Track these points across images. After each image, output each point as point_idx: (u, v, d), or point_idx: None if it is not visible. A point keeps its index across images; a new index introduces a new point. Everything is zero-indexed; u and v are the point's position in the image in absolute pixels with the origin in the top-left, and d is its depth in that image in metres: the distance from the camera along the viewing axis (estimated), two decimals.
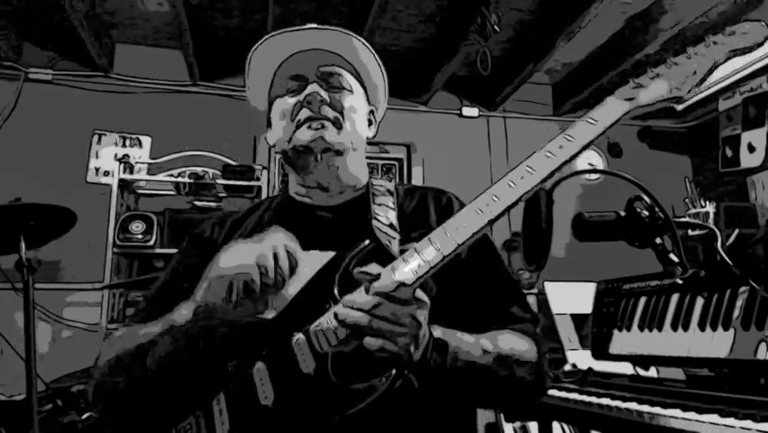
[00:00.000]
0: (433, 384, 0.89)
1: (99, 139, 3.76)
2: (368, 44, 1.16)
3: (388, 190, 1.17)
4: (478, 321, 1.01)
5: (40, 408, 2.31)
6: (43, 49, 3.73)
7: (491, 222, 0.81)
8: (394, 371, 0.79)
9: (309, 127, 1.06)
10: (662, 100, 0.90)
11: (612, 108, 0.89)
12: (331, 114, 1.07)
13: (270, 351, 0.88)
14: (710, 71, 0.91)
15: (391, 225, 1.06)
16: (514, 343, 1.00)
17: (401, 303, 0.78)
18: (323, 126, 1.06)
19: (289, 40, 1.13)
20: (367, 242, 0.91)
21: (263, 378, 0.87)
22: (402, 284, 0.77)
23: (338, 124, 1.08)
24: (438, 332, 0.87)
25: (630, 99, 0.89)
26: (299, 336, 0.86)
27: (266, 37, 1.13)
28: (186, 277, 1.07)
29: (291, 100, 1.10)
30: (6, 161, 3.50)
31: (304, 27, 1.12)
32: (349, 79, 1.14)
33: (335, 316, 0.81)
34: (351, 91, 1.13)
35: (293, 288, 0.93)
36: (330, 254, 0.96)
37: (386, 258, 0.90)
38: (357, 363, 0.81)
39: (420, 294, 0.81)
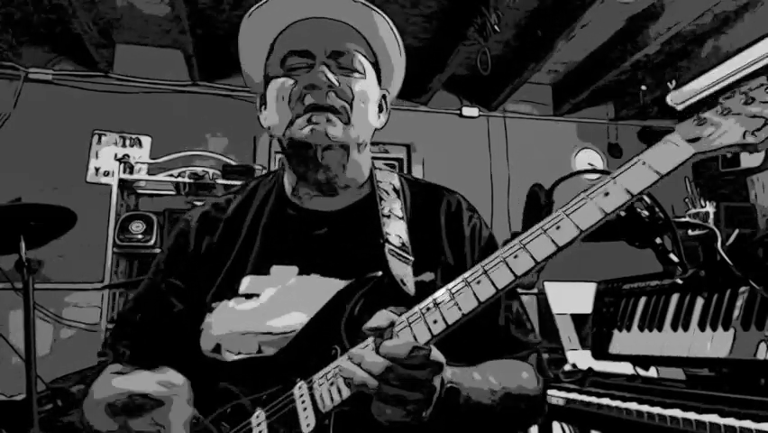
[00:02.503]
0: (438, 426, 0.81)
1: (99, 139, 3.76)
2: (388, 18, 1.00)
3: (395, 189, 1.05)
4: (482, 348, 0.95)
5: (40, 408, 2.31)
6: (43, 49, 3.73)
7: (518, 278, 0.70)
8: None
9: (310, 119, 0.92)
10: (730, 146, 0.72)
11: (672, 152, 0.73)
12: (338, 103, 0.93)
13: (270, 397, 0.80)
14: None
15: (403, 246, 0.94)
16: (520, 376, 0.94)
17: (415, 368, 0.68)
18: (327, 120, 0.92)
19: (294, 4, 0.97)
20: (379, 273, 0.83)
21: (263, 429, 0.79)
22: (417, 347, 0.67)
23: (344, 117, 0.94)
24: (449, 374, 0.76)
25: (694, 141, 0.73)
26: (302, 384, 0.78)
27: (264, 1, 0.97)
28: (165, 305, 1.00)
29: (292, 81, 0.95)
30: (6, 161, 3.50)
31: None
32: (362, 60, 0.99)
33: (341, 372, 0.72)
34: (363, 74, 0.98)
35: (295, 321, 0.87)
36: (332, 282, 0.89)
37: (400, 290, 0.86)
38: (362, 424, 0.73)
39: (436, 355, 0.69)
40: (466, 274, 0.73)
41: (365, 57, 1.01)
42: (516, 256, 0.71)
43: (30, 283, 2.33)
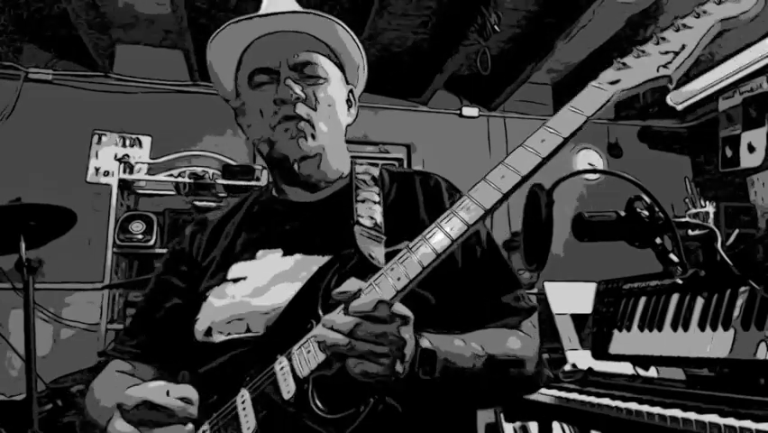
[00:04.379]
0: (422, 396, 0.85)
1: (99, 139, 3.76)
2: (342, 23, 1.07)
3: (373, 178, 1.11)
4: (471, 315, 0.98)
5: (40, 408, 2.31)
6: (43, 49, 3.73)
7: (471, 227, 0.76)
8: (372, 400, 0.76)
9: (286, 131, 1.01)
10: (649, 81, 0.81)
11: (596, 95, 0.80)
12: (305, 112, 1.01)
13: (254, 375, 0.85)
14: (700, 45, 0.81)
15: (375, 226, 1.00)
16: (507, 342, 0.96)
17: (382, 321, 0.72)
18: (299, 129, 1.00)
19: (253, 24, 1.05)
20: (350, 251, 0.89)
21: (246, 406, 0.84)
22: (381, 301, 0.71)
23: (311, 125, 1.02)
24: (426, 342, 0.81)
25: (614, 83, 0.81)
26: (282, 359, 0.83)
27: (227, 23, 1.04)
28: (162, 300, 1.09)
29: (263, 95, 1.03)
30: (6, 161, 3.50)
31: (266, 13, 1.04)
32: (325, 66, 1.07)
33: (315, 337, 0.77)
34: (326, 79, 1.06)
35: (281, 297, 0.91)
36: (315, 258, 0.95)
37: (370, 264, 0.89)
38: (341, 387, 0.77)
39: (401, 309, 0.74)
40: (424, 231, 0.78)
41: (328, 59, 1.08)
42: (468, 209, 0.77)
43: (30, 283, 2.33)
